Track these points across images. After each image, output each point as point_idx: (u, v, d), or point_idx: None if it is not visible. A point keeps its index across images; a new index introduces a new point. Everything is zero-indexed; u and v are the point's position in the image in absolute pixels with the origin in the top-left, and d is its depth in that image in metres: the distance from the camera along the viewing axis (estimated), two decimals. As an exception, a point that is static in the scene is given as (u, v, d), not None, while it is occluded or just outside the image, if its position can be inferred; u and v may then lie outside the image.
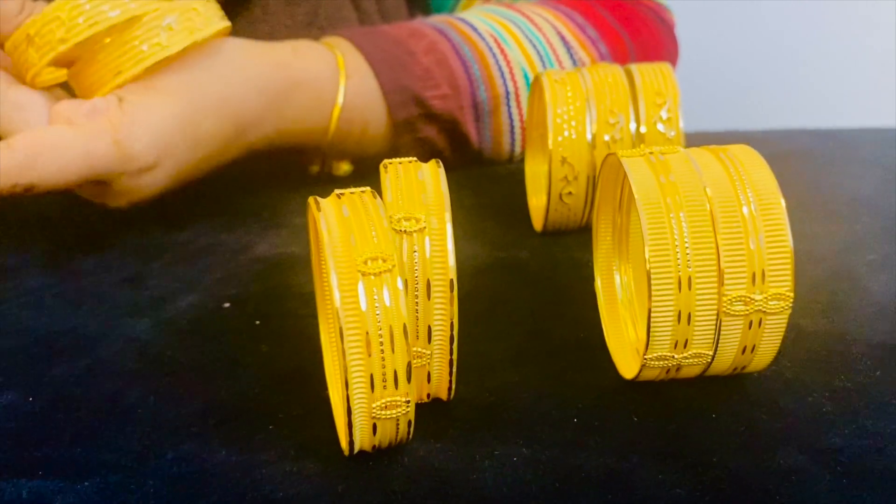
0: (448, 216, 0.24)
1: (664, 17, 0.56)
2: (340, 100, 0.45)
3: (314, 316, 0.29)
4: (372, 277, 0.22)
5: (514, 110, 0.49)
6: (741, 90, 1.12)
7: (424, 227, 0.24)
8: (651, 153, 0.26)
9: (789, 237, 0.24)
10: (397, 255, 0.23)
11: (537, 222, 0.40)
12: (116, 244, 0.41)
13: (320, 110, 0.45)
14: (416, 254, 0.24)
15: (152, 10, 0.38)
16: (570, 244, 0.38)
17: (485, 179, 0.48)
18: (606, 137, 0.37)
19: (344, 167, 0.49)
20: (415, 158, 0.27)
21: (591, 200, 0.38)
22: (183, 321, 0.33)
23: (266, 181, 0.48)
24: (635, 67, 0.38)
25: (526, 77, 0.49)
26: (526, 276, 0.36)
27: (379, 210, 0.23)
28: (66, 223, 0.44)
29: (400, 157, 0.47)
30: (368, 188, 0.25)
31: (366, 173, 0.48)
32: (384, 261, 0.22)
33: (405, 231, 0.24)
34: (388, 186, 0.25)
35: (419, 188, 0.25)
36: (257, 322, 0.33)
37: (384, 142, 0.48)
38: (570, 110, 0.37)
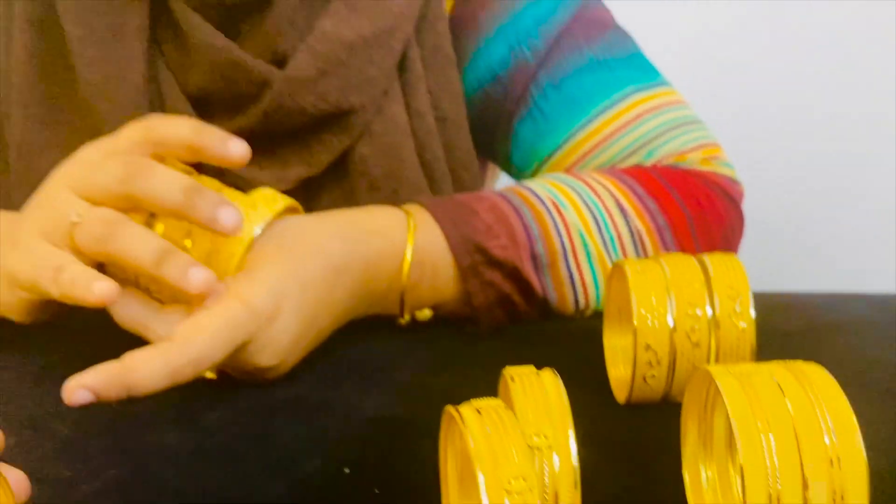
0: (572, 432, 0.29)
1: (729, 191, 0.61)
2: (410, 249, 0.51)
3: (434, 487, 0.33)
4: (516, 496, 0.26)
5: (573, 266, 0.54)
6: (798, 251, 1.16)
7: (552, 445, 0.28)
8: (740, 373, 0.31)
9: (865, 465, 0.28)
10: (533, 471, 0.27)
11: (618, 393, 0.44)
12: (239, 399, 0.45)
13: (394, 257, 0.51)
14: (545, 468, 0.28)
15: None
16: (652, 418, 0.42)
17: (562, 336, 0.53)
18: (686, 326, 0.41)
19: (426, 312, 0.54)
20: (533, 367, 0.32)
21: (672, 380, 0.42)
22: (313, 485, 0.37)
23: (357, 330, 0.53)
24: (708, 259, 0.43)
25: (583, 238, 0.54)
26: (613, 452, 0.40)
27: (516, 428, 0.28)
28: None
29: (472, 302, 0.52)
30: (500, 402, 0.29)
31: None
32: (525, 480, 0.26)
33: (537, 448, 0.28)
34: (516, 400, 0.30)
35: (544, 401, 0.30)
36: (377, 490, 0.37)
37: (456, 287, 0.53)
38: (653, 301, 0.41)
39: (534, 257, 0.53)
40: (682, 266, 0.43)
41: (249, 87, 0.56)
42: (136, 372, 0.40)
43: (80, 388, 0.39)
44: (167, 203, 0.43)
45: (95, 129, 0.58)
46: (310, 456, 0.40)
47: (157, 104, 0.58)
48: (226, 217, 0.43)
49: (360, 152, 0.59)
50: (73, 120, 0.60)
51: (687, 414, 0.34)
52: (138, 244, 0.43)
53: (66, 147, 0.60)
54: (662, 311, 0.41)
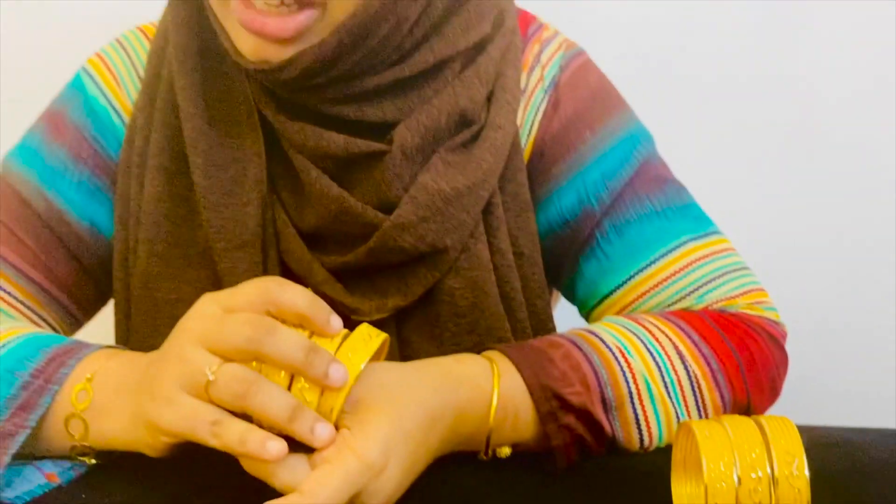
0: None
1: (774, 334, 0.68)
2: (495, 396, 0.58)
3: None
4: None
5: (638, 408, 0.61)
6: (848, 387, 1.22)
7: None
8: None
9: None
10: None
11: (687, 538, 0.51)
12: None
13: (481, 403, 0.58)
14: None
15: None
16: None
17: (628, 473, 0.59)
18: (749, 486, 0.48)
19: (506, 450, 0.61)
20: None
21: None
22: None
23: (444, 464, 0.59)
24: (765, 423, 0.50)
25: (647, 383, 0.61)
26: None
27: None
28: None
29: (550, 443, 0.59)
30: None
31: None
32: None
33: None
34: None
35: None
36: None
37: (535, 429, 0.60)
38: (721, 466, 0.48)
39: (604, 401, 0.60)
40: (742, 429, 0.50)
41: (359, 229, 0.64)
42: None
43: None
44: (289, 361, 0.50)
45: (211, 264, 0.66)
46: None
47: (271, 242, 0.67)
48: (335, 374, 0.51)
49: (449, 285, 0.67)
50: (191, 255, 0.68)
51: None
52: (273, 402, 0.49)
53: (183, 279, 0.68)
54: (729, 473, 0.48)
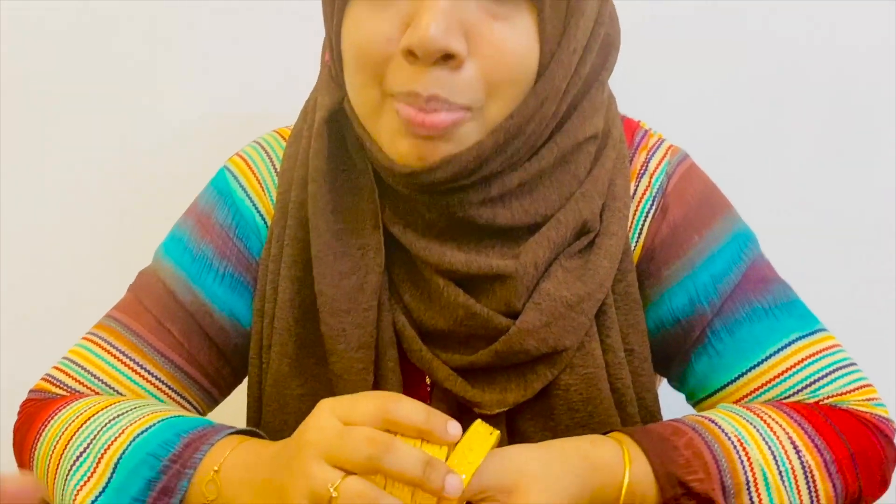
0: None
1: (885, 430, 0.69)
2: (626, 481, 0.61)
3: None
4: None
5: (755, 495, 0.63)
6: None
7: None
8: None
9: None
10: None
11: None
12: None
13: (613, 488, 0.61)
14: None
15: None
16: None
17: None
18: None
19: None
20: None
21: None
22: None
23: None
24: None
25: (763, 472, 0.63)
26: None
27: None
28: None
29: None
30: None
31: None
32: None
33: None
34: None
35: None
36: None
37: None
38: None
39: (723, 488, 0.62)
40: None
41: (483, 332, 0.68)
42: None
43: None
44: (408, 477, 0.54)
45: (331, 364, 0.71)
46: None
47: (391, 343, 0.71)
48: (451, 486, 0.54)
49: (564, 381, 0.70)
50: (318, 354, 0.73)
51: None
52: None
53: (308, 379, 0.73)
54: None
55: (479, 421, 0.59)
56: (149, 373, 0.74)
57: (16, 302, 1.17)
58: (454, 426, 0.56)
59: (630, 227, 0.73)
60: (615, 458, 0.62)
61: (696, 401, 0.77)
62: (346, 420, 0.56)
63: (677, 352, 0.75)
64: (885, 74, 1.11)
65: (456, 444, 0.57)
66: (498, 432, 0.59)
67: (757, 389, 0.72)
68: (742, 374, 0.72)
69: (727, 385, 0.73)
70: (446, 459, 0.56)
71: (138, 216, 1.15)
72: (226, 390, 0.80)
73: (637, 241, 0.73)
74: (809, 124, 1.12)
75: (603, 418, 0.70)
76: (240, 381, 0.81)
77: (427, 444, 0.56)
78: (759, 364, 0.72)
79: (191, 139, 1.15)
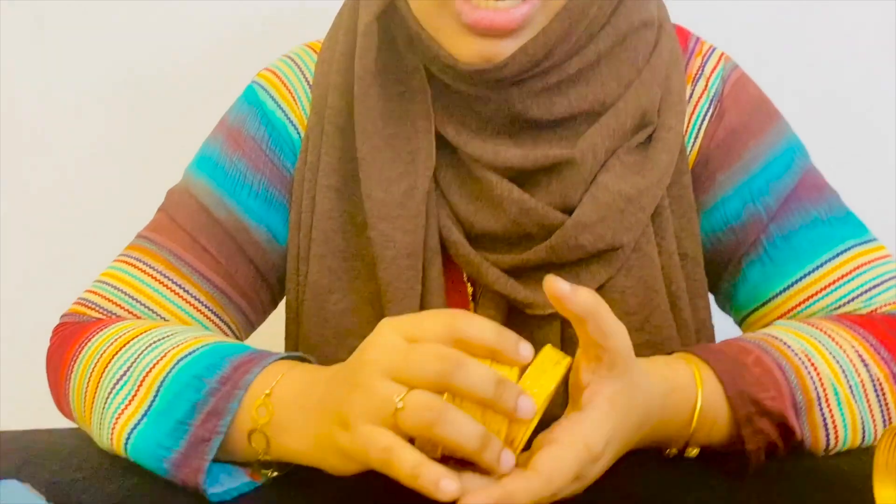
0: None
1: None
2: (699, 402, 0.59)
3: None
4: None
5: (826, 412, 0.62)
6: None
7: None
8: None
9: None
10: None
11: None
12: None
13: (686, 409, 0.59)
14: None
15: None
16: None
17: (817, 476, 0.61)
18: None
19: (695, 451, 0.62)
20: None
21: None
22: None
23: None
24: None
25: (833, 387, 0.62)
26: None
27: None
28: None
29: (745, 447, 0.60)
30: None
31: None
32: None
33: None
34: None
35: None
36: None
37: (728, 432, 0.61)
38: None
39: (795, 406, 0.61)
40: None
41: (537, 229, 0.66)
42: (515, 497, 0.47)
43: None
44: (479, 395, 0.49)
45: (375, 275, 0.69)
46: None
47: (437, 250, 0.69)
48: (524, 407, 0.49)
49: (620, 283, 0.69)
50: (359, 268, 0.71)
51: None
52: (463, 430, 0.48)
53: (351, 290, 0.70)
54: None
55: (549, 346, 0.57)
56: (188, 293, 0.71)
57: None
58: (526, 347, 0.52)
59: (686, 130, 0.71)
60: (689, 380, 0.60)
61: (745, 314, 0.75)
62: (410, 338, 0.51)
63: (729, 261, 0.73)
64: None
65: (526, 366, 0.54)
66: (570, 359, 0.56)
67: (810, 298, 0.71)
68: (796, 282, 0.71)
69: (779, 293, 0.72)
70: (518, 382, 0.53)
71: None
72: (262, 314, 0.78)
73: (693, 145, 0.72)
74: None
75: (658, 322, 0.69)
76: (276, 305, 0.79)
77: (496, 365, 0.53)
78: (814, 270, 0.70)
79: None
